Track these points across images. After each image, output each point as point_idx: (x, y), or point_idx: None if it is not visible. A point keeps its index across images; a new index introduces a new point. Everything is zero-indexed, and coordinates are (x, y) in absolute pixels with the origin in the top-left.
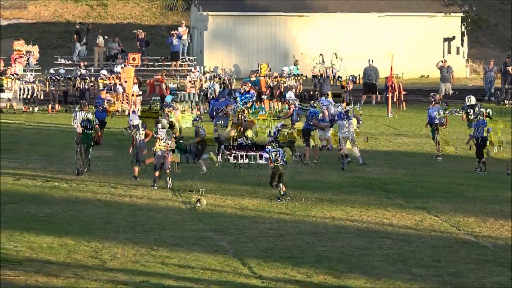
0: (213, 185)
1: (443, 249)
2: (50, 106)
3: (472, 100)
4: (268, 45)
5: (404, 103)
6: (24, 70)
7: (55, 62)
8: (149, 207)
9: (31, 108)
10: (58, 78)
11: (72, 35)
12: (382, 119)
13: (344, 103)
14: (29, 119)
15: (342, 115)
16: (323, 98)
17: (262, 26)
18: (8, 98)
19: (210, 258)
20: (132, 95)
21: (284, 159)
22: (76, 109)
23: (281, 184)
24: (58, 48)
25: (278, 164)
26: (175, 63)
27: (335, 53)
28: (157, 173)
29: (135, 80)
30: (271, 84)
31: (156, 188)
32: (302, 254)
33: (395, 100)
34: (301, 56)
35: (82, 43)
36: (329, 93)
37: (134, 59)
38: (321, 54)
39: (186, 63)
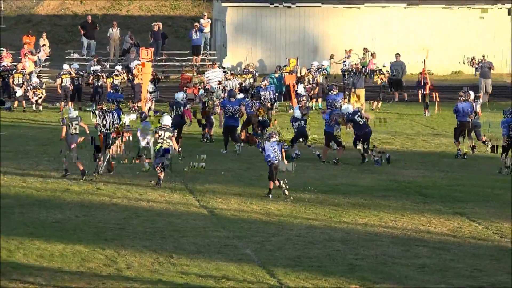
0: (236, 188)
1: (484, 258)
2: (62, 103)
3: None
4: (296, 39)
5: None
6: (36, 65)
7: (67, 57)
8: (168, 212)
9: (35, 106)
10: (82, 74)
11: (78, 28)
12: (418, 118)
13: (380, 102)
14: (39, 117)
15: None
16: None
17: (290, 18)
18: (17, 95)
19: (233, 267)
20: (149, 92)
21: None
22: (94, 107)
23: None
24: (71, 43)
25: (276, 162)
26: (196, 58)
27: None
28: (161, 173)
29: (151, 77)
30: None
31: (160, 185)
32: (333, 263)
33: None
34: (335, 50)
35: (89, 36)
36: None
37: (146, 54)
38: (365, 48)
39: (208, 58)
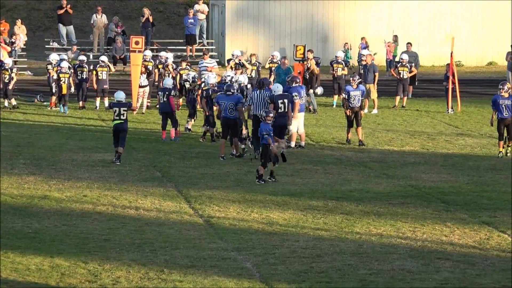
0: (236, 195)
1: None
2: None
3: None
4: (303, 27)
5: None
6: (10, 56)
7: (46, 46)
8: (159, 222)
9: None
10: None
11: (56, 12)
12: (440, 116)
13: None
14: (14, 115)
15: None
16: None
17: (296, 4)
18: None
19: (231, 282)
20: (140, 86)
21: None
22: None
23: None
24: (50, 30)
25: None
26: (190, 47)
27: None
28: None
29: (143, 69)
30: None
31: (119, 163)
32: (343, 278)
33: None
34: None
35: (65, 22)
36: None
37: (137, 43)
38: (395, 35)
39: (204, 47)
